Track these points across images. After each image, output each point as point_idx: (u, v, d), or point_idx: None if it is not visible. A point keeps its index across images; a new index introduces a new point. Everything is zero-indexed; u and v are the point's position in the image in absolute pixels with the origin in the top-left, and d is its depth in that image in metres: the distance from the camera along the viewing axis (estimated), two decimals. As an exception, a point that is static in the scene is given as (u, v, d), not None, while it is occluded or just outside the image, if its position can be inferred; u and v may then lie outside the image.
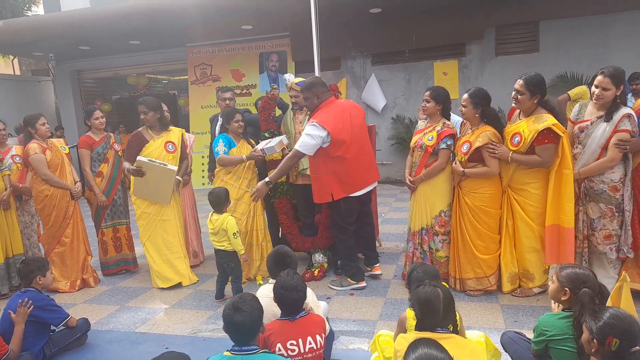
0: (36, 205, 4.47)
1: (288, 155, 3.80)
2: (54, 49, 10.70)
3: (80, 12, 9.36)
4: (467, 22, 8.71)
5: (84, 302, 4.15)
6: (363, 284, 4.03)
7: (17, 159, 4.65)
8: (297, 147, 3.68)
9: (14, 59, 14.01)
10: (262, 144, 4.17)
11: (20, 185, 4.54)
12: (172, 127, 4.47)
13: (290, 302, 2.37)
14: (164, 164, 4.13)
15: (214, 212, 3.86)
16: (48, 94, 12.90)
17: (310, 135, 3.60)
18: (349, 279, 4.04)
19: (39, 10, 14.23)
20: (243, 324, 2.05)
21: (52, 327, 3.19)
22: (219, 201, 3.83)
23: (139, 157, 4.12)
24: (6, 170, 4.35)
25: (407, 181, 3.86)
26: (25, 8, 13.69)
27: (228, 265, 3.88)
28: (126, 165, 4.21)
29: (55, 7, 11.91)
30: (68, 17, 9.24)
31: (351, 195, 3.77)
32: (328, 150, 3.67)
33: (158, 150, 4.27)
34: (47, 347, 3.08)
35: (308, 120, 3.86)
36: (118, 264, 4.83)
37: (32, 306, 3.00)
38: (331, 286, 4.05)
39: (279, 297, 2.38)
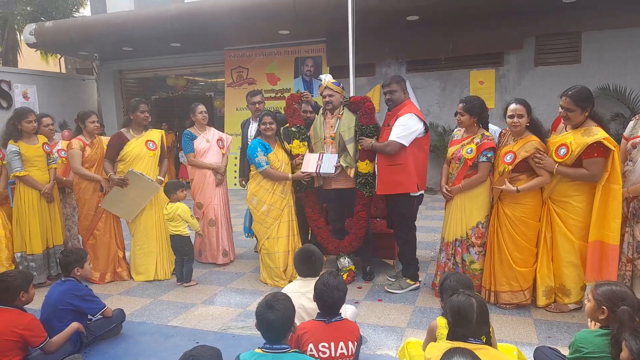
0: (75, 196, 4.69)
1: (385, 143, 3.80)
2: (98, 49, 11.14)
3: (124, 14, 9.71)
4: (506, 31, 8.57)
5: (119, 294, 4.28)
6: (419, 284, 4.10)
7: (63, 153, 4.88)
8: (396, 139, 3.74)
9: (60, 58, 14.60)
10: (311, 164, 4.15)
11: (64, 178, 4.77)
12: (152, 129, 4.72)
13: (330, 300, 2.39)
14: (152, 180, 4.44)
15: (169, 202, 4.40)
16: (91, 92, 13.38)
17: (408, 126, 3.74)
18: (407, 280, 4.06)
19: (85, 11, 14.81)
20: (275, 323, 2.09)
21: (89, 317, 3.31)
22: (167, 189, 4.40)
23: (131, 169, 4.38)
24: (53, 163, 4.56)
25: (444, 190, 3.79)
26: (74, 9, 14.26)
27: (182, 248, 4.39)
28: (109, 170, 4.46)
29: (101, 8, 12.38)
30: (113, 19, 9.60)
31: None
32: (422, 140, 3.84)
33: (138, 148, 4.50)
34: (84, 335, 3.20)
35: (393, 119, 3.88)
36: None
37: (85, 328, 3.20)
38: (391, 290, 4.04)
39: (319, 294, 2.41)
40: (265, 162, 4.20)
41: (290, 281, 4.34)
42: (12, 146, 4.26)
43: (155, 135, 4.67)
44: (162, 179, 4.63)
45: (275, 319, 2.09)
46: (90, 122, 4.60)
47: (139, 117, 4.54)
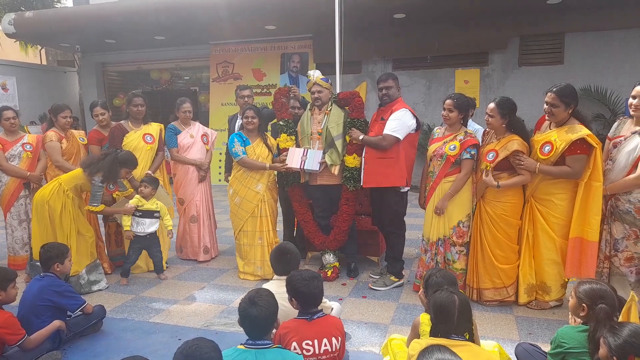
0: None
1: (380, 137, 3.83)
2: (80, 41, 10.92)
3: (108, 5, 9.53)
4: (491, 31, 8.66)
5: (99, 290, 4.21)
6: (402, 280, 4.12)
7: (28, 147, 4.67)
8: (392, 133, 3.78)
9: (41, 49, 14.28)
10: (295, 159, 4.15)
11: (28, 173, 4.60)
12: (151, 122, 4.77)
13: (314, 292, 2.37)
14: (167, 194, 4.66)
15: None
16: (73, 84, 13.14)
17: (403, 121, 3.79)
18: (391, 277, 4.09)
19: (68, 2, 14.50)
20: (258, 318, 2.08)
21: (69, 313, 3.24)
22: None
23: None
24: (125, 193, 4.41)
25: (436, 212, 3.68)
26: (55, 0, 13.96)
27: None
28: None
29: None
30: (96, 10, 9.42)
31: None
32: (413, 137, 3.91)
33: (136, 141, 4.57)
34: (63, 332, 3.13)
35: (387, 113, 3.89)
36: (116, 259, 4.80)
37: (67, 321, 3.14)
38: (375, 287, 4.05)
39: (299, 290, 2.37)
40: (242, 152, 4.23)
41: (265, 279, 4.32)
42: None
43: (154, 128, 4.71)
44: (151, 173, 4.57)
45: (258, 314, 2.07)
46: (62, 117, 4.58)
47: (132, 110, 4.64)
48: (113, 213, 4.33)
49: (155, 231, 4.40)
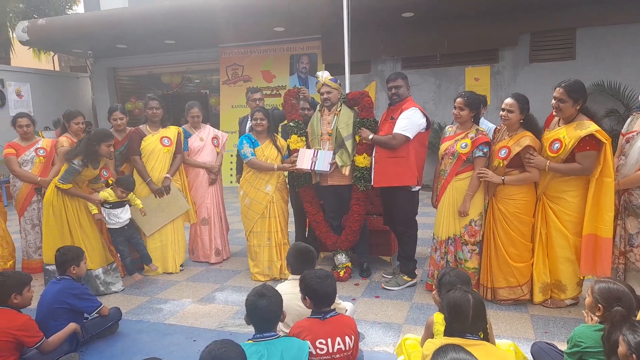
0: None
1: (390, 136, 3.84)
2: (92, 47, 11.07)
3: (118, 11, 9.65)
4: (501, 28, 8.59)
5: (115, 292, 4.26)
6: (415, 280, 4.12)
7: (41, 152, 4.74)
8: (402, 131, 3.79)
9: (54, 55, 14.49)
10: (305, 160, 4.15)
11: (39, 178, 4.64)
12: (170, 126, 4.79)
13: (328, 290, 2.37)
14: (185, 198, 4.76)
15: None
16: (85, 89, 13.30)
17: (413, 120, 3.79)
18: (404, 277, 4.08)
19: (79, 9, 14.71)
20: (267, 308, 2.13)
21: (85, 315, 3.29)
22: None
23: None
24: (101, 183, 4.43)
25: (434, 204, 3.88)
26: (67, 7, 14.16)
27: None
28: (141, 166, 4.57)
29: (95, 6, 12.29)
30: (107, 16, 9.53)
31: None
32: (423, 136, 3.90)
33: (153, 144, 4.61)
34: (80, 334, 3.18)
35: (397, 112, 3.89)
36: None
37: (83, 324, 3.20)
38: (387, 287, 4.06)
39: (313, 288, 2.37)
40: (251, 153, 4.27)
41: (275, 279, 4.36)
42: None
43: (172, 131, 4.73)
44: (170, 177, 4.62)
45: (267, 304, 2.12)
46: (74, 123, 4.64)
47: (148, 113, 4.69)
48: (79, 197, 4.21)
49: (130, 219, 4.36)
